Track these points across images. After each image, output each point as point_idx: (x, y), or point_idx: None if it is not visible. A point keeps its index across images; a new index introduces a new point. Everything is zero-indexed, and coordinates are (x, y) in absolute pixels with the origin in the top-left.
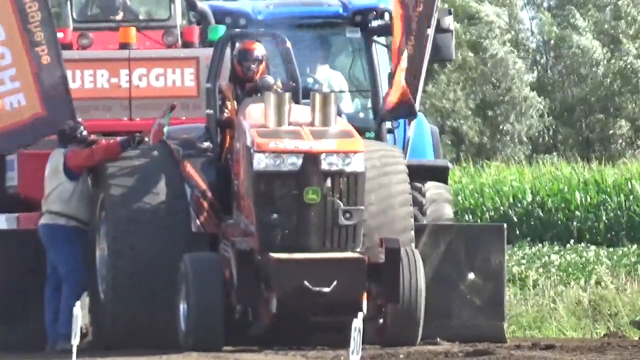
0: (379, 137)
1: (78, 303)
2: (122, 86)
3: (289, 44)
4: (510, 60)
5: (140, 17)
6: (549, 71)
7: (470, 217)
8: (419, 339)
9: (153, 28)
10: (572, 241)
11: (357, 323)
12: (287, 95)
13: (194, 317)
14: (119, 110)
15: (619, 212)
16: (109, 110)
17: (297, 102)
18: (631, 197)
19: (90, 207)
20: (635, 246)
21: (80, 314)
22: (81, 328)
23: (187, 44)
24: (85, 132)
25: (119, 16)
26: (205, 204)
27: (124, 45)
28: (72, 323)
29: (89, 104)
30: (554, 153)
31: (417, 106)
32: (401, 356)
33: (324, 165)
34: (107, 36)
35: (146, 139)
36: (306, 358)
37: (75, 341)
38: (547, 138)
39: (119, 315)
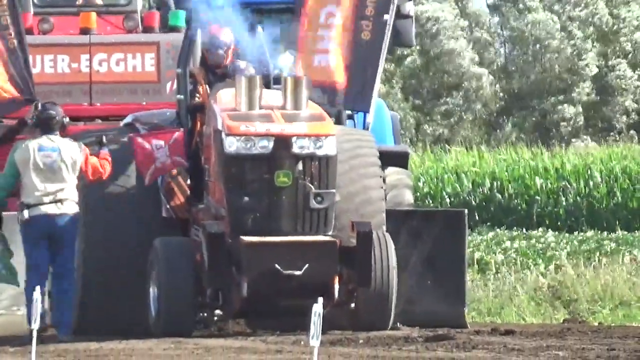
0: (338, 123)
1: (38, 288)
2: (83, 71)
3: (260, 29)
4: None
5: (101, 2)
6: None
7: (431, 202)
8: (391, 322)
9: (113, 13)
10: (532, 227)
11: (317, 307)
12: (259, 78)
13: (164, 301)
14: (79, 95)
15: (578, 198)
16: (69, 95)
17: (267, 86)
18: (591, 183)
19: None
20: (594, 232)
21: (40, 298)
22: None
23: (147, 29)
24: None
25: (80, 1)
26: (176, 189)
27: (85, 30)
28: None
29: (50, 88)
30: (507, 132)
31: (375, 94)
32: (360, 341)
33: (295, 149)
34: (67, 21)
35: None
36: (266, 343)
37: (35, 325)
38: (502, 120)
39: (90, 300)
